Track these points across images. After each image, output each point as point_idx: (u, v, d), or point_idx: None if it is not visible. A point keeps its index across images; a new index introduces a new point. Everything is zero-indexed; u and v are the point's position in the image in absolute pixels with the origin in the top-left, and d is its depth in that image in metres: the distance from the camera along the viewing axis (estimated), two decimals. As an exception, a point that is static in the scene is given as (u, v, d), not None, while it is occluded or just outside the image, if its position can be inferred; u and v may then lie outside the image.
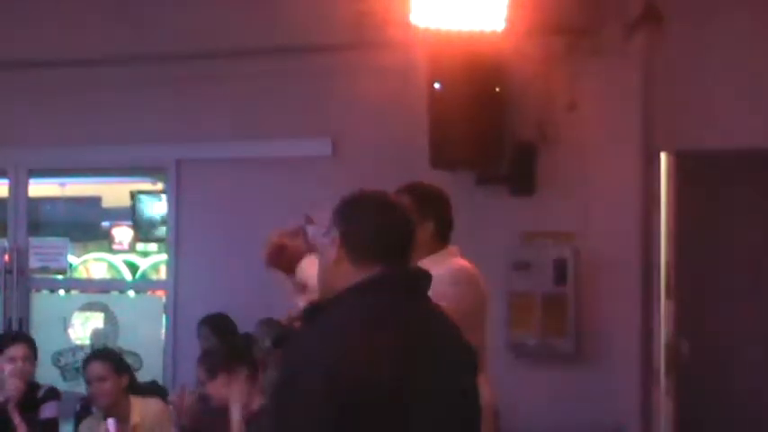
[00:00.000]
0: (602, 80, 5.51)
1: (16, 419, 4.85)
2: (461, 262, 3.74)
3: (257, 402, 4.14)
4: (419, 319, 2.30)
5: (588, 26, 5.48)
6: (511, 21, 5.08)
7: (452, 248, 3.78)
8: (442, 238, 3.75)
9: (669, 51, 5.51)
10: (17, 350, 5.03)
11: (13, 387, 4.87)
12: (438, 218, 3.73)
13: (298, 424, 2.15)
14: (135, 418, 4.88)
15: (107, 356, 5.08)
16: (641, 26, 5.44)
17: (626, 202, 5.55)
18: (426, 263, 3.43)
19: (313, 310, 2.42)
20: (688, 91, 5.51)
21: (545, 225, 5.65)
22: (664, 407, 5.61)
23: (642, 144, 5.59)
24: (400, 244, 2.33)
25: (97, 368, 4.89)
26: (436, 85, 5.32)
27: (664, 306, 5.63)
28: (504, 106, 5.51)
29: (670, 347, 5.65)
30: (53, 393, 5.08)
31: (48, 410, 5.00)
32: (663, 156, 5.68)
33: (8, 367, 4.94)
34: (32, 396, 5.01)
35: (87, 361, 5.03)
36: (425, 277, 2.36)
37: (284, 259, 3.57)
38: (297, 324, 2.69)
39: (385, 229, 2.32)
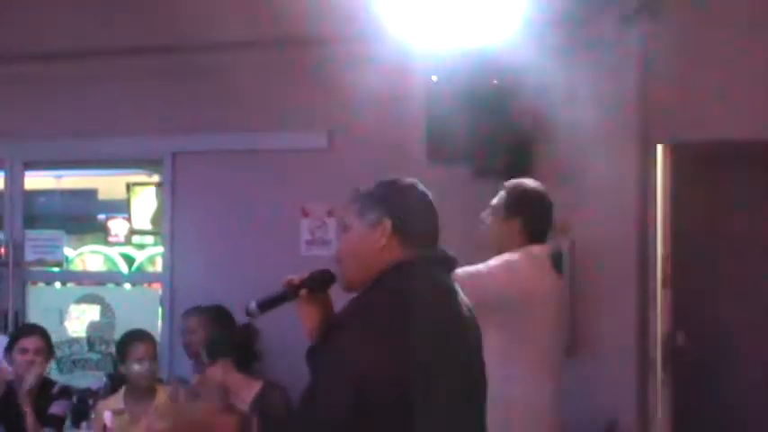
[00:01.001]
0: (598, 72, 5.50)
1: (27, 409, 4.93)
2: (520, 255, 3.96)
3: (251, 394, 4.17)
4: (458, 298, 2.53)
5: (585, 17, 5.47)
6: (508, 13, 5.07)
7: (533, 248, 4.01)
8: (529, 237, 4.02)
9: (666, 43, 5.51)
10: (30, 342, 5.12)
11: (26, 377, 4.94)
12: (525, 218, 4.04)
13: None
14: (160, 397, 4.93)
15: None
16: (638, 17, 5.44)
17: (622, 194, 5.55)
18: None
19: (329, 278, 2.58)
20: (685, 83, 5.51)
21: (541, 217, 5.64)
22: (660, 399, 5.63)
23: (638, 136, 5.59)
24: (437, 230, 2.55)
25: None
26: (433, 78, 5.31)
27: (660, 298, 5.64)
28: (502, 99, 5.50)
29: (666, 339, 5.66)
30: (66, 392, 5.16)
31: (57, 407, 5.10)
32: (659, 148, 5.68)
33: (20, 358, 5.00)
34: (47, 391, 5.08)
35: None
36: (453, 259, 2.58)
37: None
38: (302, 292, 2.63)
39: (430, 215, 2.53)
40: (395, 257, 2.43)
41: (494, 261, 3.97)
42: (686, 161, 5.68)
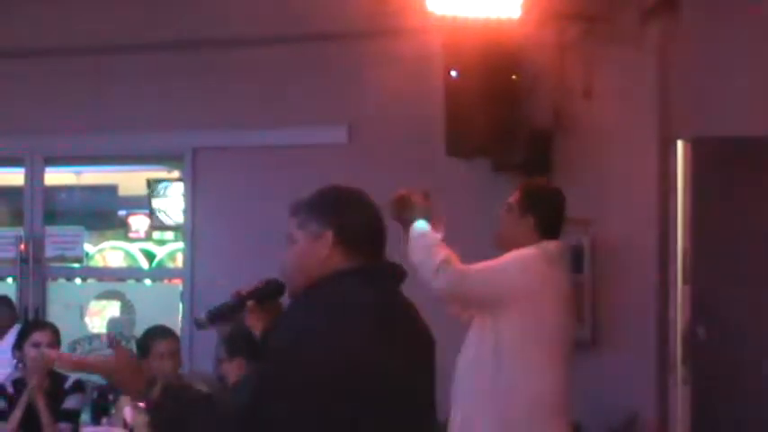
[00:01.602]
0: (618, 67, 5.49)
1: (41, 405, 4.94)
2: (529, 251, 4.01)
3: None
4: (403, 306, 2.49)
5: (604, 13, 5.46)
6: (527, 7, 5.07)
7: (548, 244, 4.08)
8: (543, 234, 4.08)
9: (685, 38, 5.49)
10: (42, 336, 5.14)
11: (37, 371, 4.96)
12: (539, 215, 4.10)
13: (293, 390, 2.25)
14: None
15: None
16: (658, 12, 5.42)
17: (642, 189, 5.54)
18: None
19: (277, 288, 2.58)
20: (704, 78, 5.49)
21: (561, 212, 5.63)
22: (680, 394, 5.60)
23: (658, 131, 5.57)
24: (382, 240, 2.48)
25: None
26: (452, 73, 5.31)
27: (680, 293, 5.62)
28: (520, 94, 5.50)
29: (686, 334, 5.64)
30: (79, 386, 5.17)
31: (71, 401, 5.12)
32: (679, 143, 5.66)
33: (32, 352, 5.02)
34: (59, 386, 5.10)
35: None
36: (402, 271, 2.52)
37: None
38: (249, 303, 2.67)
39: (374, 224, 2.47)
40: (336, 268, 2.40)
41: (506, 257, 4.04)
42: (706, 157, 5.65)
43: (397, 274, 2.49)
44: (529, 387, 3.94)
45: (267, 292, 2.66)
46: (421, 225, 3.93)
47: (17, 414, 4.99)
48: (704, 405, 5.62)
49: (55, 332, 5.24)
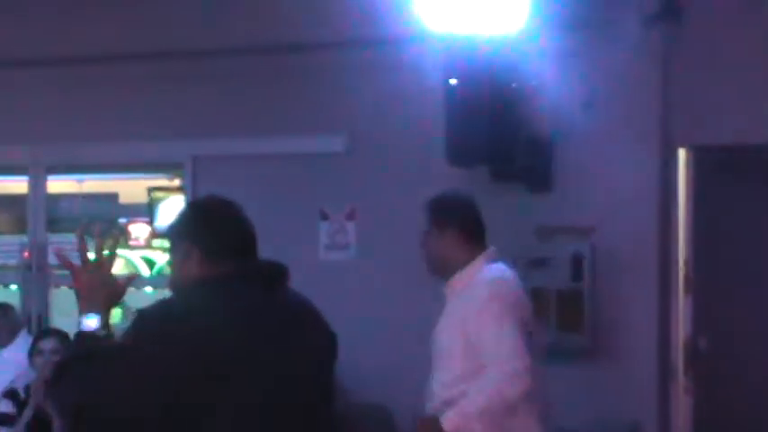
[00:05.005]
0: (619, 75, 5.47)
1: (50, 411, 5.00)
2: (494, 271, 3.84)
3: None
4: (273, 306, 2.49)
5: (605, 20, 5.44)
6: (527, 15, 5.05)
7: (489, 251, 3.90)
8: (474, 241, 3.90)
9: (687, 45, 5.47)
10: (46, 344, 5.26)
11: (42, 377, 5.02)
12: (459, 223, 3.90)
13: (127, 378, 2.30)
14: None
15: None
16: (659, 20, 5.40)
17: (644, 197, 5.51)
18: (463, 276, 3.81)
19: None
20: (706, 85, 5.46)
21: (562, 221, 5.61)
22: (681, 404, 5.57)
23: (660, 139, 5.55)
24: (246, 243, 2.56)
25: None
26: (452, 81, 5.29)
27: (682, 302, 5.59)
28: (521, 102, 5.48)
29: (688, 344, 5.61)
30: None
31: None
32: (681, 151, 5.63)
33: (37, 360, 5.17)
34: None
35: None
36: (280, 270, 2.57)
37: None
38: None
39: (239, 228, 2.57)
40: (197, 275, 2.51)
41: (493, 308, 3.73)
42: (708, 165, 5.63)
43: (272, 273, 2.55)
44: (546, 392, 3.86)
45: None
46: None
47: (27, 414, 5.08)
48: (706, 415, 5.59)
49: (62, 339, 5.29)
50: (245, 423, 2.33)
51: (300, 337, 2.51)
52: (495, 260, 3.93)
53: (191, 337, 2.32)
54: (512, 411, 3.73)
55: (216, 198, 2.69)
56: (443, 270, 3.94)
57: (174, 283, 2.60)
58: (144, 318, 2.41)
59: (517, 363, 3.63)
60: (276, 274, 2.57)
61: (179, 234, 2.60)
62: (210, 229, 2.56)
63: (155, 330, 2.36)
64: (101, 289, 2.54)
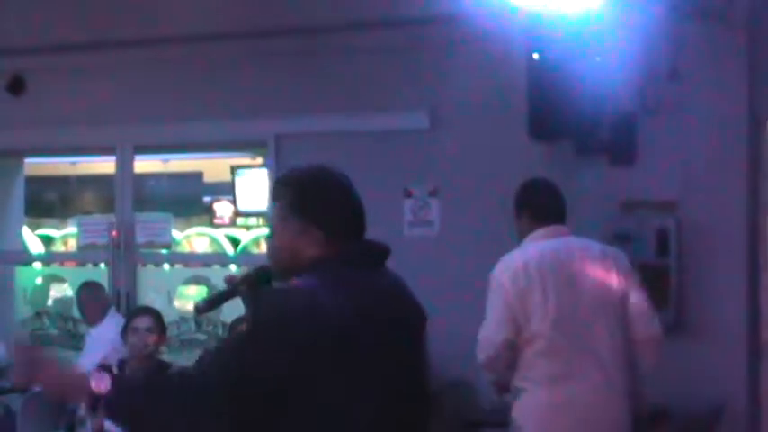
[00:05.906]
0: (705, 45, 5.37)
1: None
2: (510, 257, 4.08)
3: None
4: (384, 287, 2.53)
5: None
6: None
7: (538, 232, 4.09)
8: (538, 223, 4.10)
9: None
10: (141, 321, 5.30)
11: (136, 352, 5.17)
12: (530, 208, 4.14)
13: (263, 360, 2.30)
14: None
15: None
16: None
17: (731, 169, 5.41)
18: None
19: (264, 275, 2.65)
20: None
21: (646, 195, 5.55)
22: (772, 382, 5.48)
23: (748, 110, 5.44)
24: (362, 222, 2.54)
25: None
26: (535, 56, 5.25)
27: (772, 277, 5.49)
28: (604, 75, 5.41)
29: (778, 320, 5.51)
30: None
31: None
32: (769, 122, 5.52)
33: (132, 337, 5.20)
34: (163, 371, 5.22)
35: None
36: (387, 250, 2.58)
37: None
38: (241, 288, 2.75)
39: (350, 205, 2.53)
40: (315, 254, 2.48)
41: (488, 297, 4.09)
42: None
43: (377, 253, 2.54)
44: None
45: (256, 278, 2.75)
46: None
47: None
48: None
49: (155, 318, 5.37)
50: (363, 402, 2.37)
51: (404, 317, 2.54)
52: (546, 238, 4.05)
53: (331, 328, 2.33)
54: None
55: (333, 172, 2.59)
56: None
57: (281, 258, 2.55)
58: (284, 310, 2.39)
59: (480, 334, 4.04)
60: (385, 254, 2.57)
61: (295, 209, 2.51)
62: (333, 209, 2.51)
63: (298, 315, 2.35)
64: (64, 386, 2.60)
